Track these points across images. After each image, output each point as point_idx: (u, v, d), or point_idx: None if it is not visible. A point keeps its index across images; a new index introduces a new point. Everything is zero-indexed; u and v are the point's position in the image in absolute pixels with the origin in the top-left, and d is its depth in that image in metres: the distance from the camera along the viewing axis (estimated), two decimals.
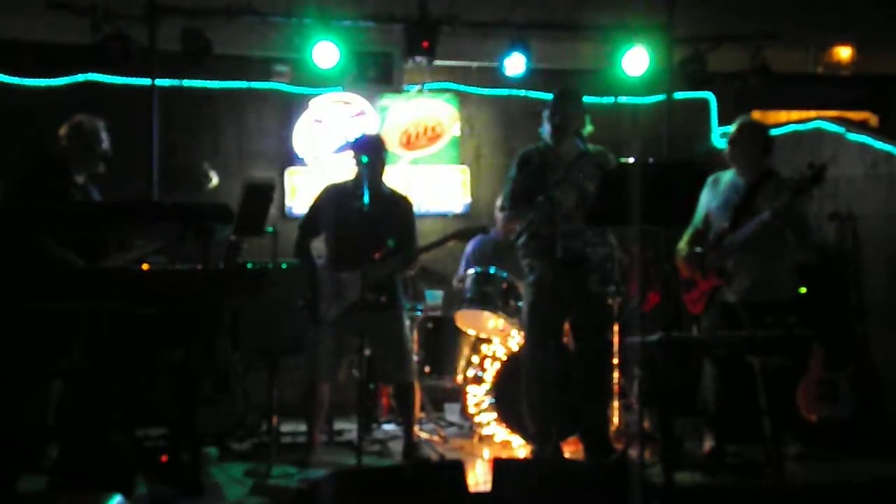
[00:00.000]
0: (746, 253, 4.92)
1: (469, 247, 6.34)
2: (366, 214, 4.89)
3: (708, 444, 5.12)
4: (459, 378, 5.97)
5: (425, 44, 6.24)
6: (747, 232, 4.89)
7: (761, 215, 4.83)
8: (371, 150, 5.10)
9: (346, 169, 5.32)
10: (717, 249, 5.00)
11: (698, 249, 5.08)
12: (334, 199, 5.23)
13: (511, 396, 5.31)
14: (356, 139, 5.27)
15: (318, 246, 5.33)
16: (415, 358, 5.46)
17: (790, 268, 5.08)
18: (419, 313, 6.00)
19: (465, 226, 6.59)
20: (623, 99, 7.32)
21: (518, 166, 5.09)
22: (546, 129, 5.09)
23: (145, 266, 4.56)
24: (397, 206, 5.26)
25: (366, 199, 4.88)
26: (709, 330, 5.09)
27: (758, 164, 5.05)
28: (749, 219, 4.92)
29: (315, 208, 5.30)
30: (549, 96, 5.24)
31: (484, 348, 5.79)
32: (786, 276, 5.04)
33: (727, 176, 5.17)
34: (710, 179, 5.13)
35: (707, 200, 5.11)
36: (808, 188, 4.74)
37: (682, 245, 5.20)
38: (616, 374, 5.60)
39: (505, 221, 5.29)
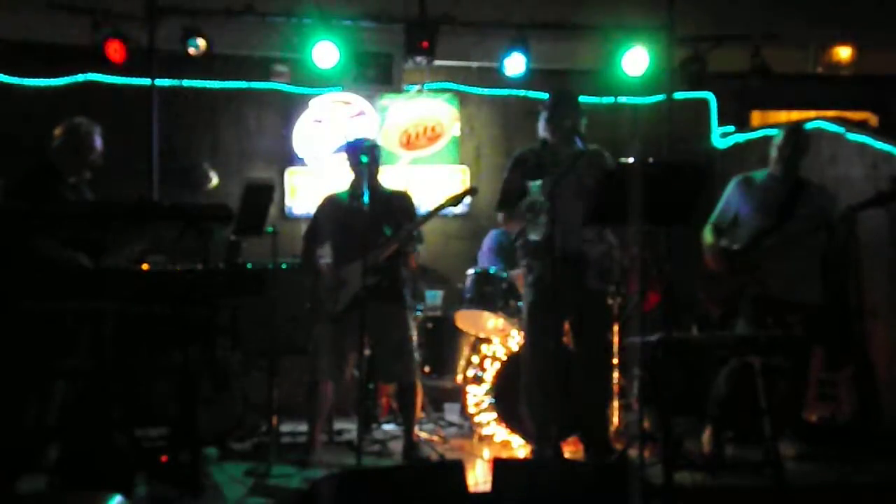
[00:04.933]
0: (781, 255, 4.96)
1: (486, 243, 6.34)
2: (364, 212, 4.91)
3: (707, 444, 5.12)
4: (459, 378, 5.97)
5: (424, 44, 6.25)
6: (795, 232, 4.95)
7: (819, 216, 4.95)
8: (367, 152, 5.14)
9: (345, 170, 5.34)
10: (756, 249, 5.02)
11: (735, 246, 5.08)
12: (333, 207, 5.31)
13: (511, 396, 5.31)
14: (350, 143, 5.31)
15: (325, 252, 5.36)
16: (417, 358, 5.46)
17: (818, 272, 5.12)
18: (419, 313, 6.01)
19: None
20: (623, 99, 7.32)
21: (511, 167, 5.10)
22: (542, 130, 5.09)
23: (145, 266, 4.56)
24: (397, 201, 5.29)
25: (366, 198, 4.90)
26: (745, 325, 5.06)
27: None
28: (788, 222, 4.95)
29: (316, 218, 5.38)
30: (548, 96, 5.24)
31: (484, 348, 5.79)
32: (815, 280, 5.09)
33: (759, 177, 5.19)
34: (739, 179, 5.19)
35: (738, 200, 5.15)
36: (889, 201, 4.84)
37: (709, 238, 5.19)
38: (616, 374, 5.60)
39: (501, 221, 5.29)
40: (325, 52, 6.33)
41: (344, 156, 5.31)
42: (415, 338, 5.31)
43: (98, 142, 4.97)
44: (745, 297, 5.05)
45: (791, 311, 4.93)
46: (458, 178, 7.35)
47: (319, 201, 5.45)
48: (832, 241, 5.10)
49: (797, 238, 5.00)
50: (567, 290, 4.85)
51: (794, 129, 5.27)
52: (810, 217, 5.00)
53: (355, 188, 5.13)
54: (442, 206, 5.20)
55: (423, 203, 7.03)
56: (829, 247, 5.18)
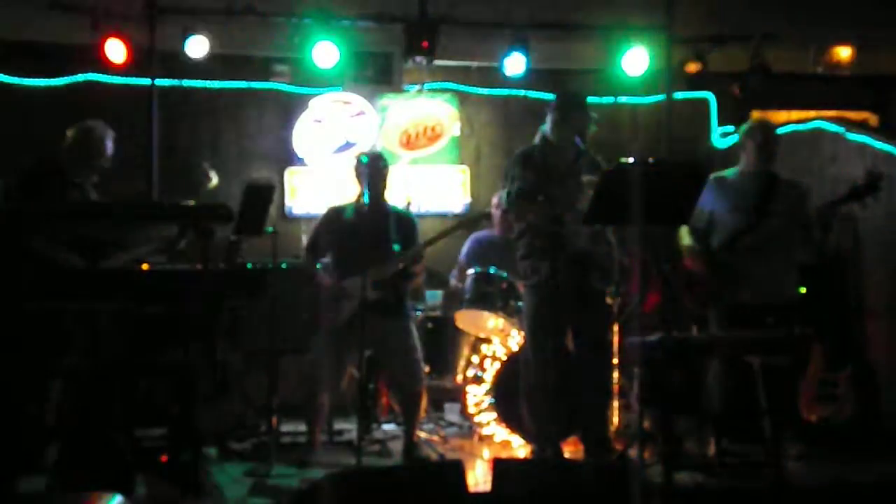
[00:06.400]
0: (760, 253, 4.94)
1: (465, 248, 6.35)
2: (369, 222, 4.92)
3: (713, 445, 5.11)
4: (459, 378, 5.97)
5: (425, 44, 6.24)
6: (771, 230, 4.92)
7: (796, 213, 4.92)
8: (372, 160, 5.14)
9: (346, 170, 5.34)
10: (731, 250, 5.00)
11: (708, 248, 5.08)
12: (336, 219, 5.28)
13: (511, 396, 5.31)
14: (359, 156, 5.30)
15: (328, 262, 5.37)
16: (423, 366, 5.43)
17: (796, 268, 5.12)
18: (419, 313, 6.00)
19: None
20: (623, 99, 7.32)
21: (521, 164, 5.06)
22: (548, 129, 5.07)
23: (145, 266, 4.56)
24: (402, 220, 5.27)
25: (366, 198, 4.90)
26: (715, 330, 5.08)
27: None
28: (765, 220, 4.94)
29: (317, 230, 5.36)
30: (549, 96, 5.24)
31: (484, 348, 5.79)
32: (793, 276, 5.08)
33: (731, 175, 5.17)
34: (711, 179, 5.15)
35: (712, 200, 5.12)
36: (865, 195, 4.80)
37: (686, 240, 5.19)
38: (616, 374, 5.60)
39: (517, 216, 5.21)
40: (325, 52, 6.33)
41: (346, 161, 5.29)
42: (419, 345, 5.30)
43: (109, 147, 4.99)
44: (723, 297, 5.06)
45: (768, 310, 4.92)
46: (458, 179, 7.35)
47: (323, 213, 5.42)
48: (810, 239, 5.08)
49: (774, 236, 4.98)
50: (570, 290, 4.85)
51: (765, 123, 5.28)
52: (785, 214, 4.98)
53: (360, 201, 5.13)
54: (454, 229, 5.24)
55: (424, 204, 7.05)
56: (808, 244, 5.16)
